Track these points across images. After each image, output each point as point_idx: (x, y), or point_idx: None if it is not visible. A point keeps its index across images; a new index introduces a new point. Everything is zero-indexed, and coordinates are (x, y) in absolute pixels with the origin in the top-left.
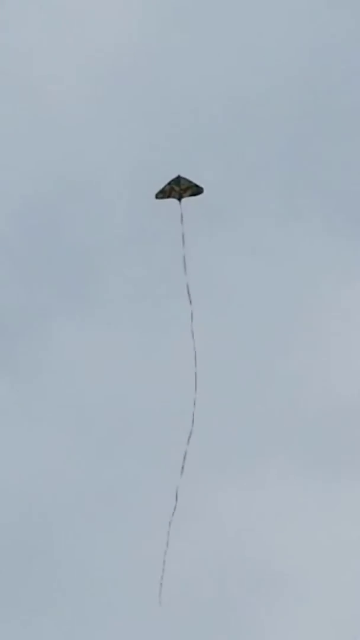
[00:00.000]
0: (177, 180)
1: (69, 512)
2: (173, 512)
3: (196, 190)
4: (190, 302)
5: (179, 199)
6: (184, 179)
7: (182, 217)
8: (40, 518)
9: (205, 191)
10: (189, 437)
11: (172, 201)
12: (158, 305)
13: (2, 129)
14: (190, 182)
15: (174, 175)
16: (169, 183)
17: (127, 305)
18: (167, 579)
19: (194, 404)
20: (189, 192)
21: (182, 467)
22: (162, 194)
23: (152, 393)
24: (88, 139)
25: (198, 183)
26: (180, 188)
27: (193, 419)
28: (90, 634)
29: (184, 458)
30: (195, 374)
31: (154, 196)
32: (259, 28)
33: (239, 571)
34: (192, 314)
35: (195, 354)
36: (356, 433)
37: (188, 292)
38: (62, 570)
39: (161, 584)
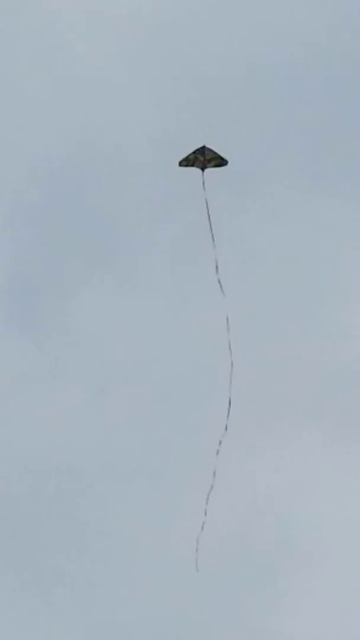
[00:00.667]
0: (202, 150)
1: (96, 477)
2: (213, 480)
3: (220, 161)
4: (217, 269)
5: (202, 169)
6: (209, 149)
7: (204, 185)
8: (66, 483)
9: (229, 164)
10: (229, 407)
11: (195, 170)
12: (185, 271)
13: (29, 89)
14: (215, 153)
15: (199, 145)
16: (194, 152)
17: (154, 271)
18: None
19: (231, 370)
20: (213, 162)
21: (220, 442)
22: (186, 162)
23: (181, 358)
24: (115, 102)
25: (223, 155)
26: (204, 158)
27: (230, 386)
28: (119, 604)
29: (225, 429)
30: (229, 339)
31: (177, 164)
32: None
33: (267, 538)
34: (219, 281)
35: (228, 319)
36: None
37: (216, 258)
38: (87, 536)
39: (197, 550)
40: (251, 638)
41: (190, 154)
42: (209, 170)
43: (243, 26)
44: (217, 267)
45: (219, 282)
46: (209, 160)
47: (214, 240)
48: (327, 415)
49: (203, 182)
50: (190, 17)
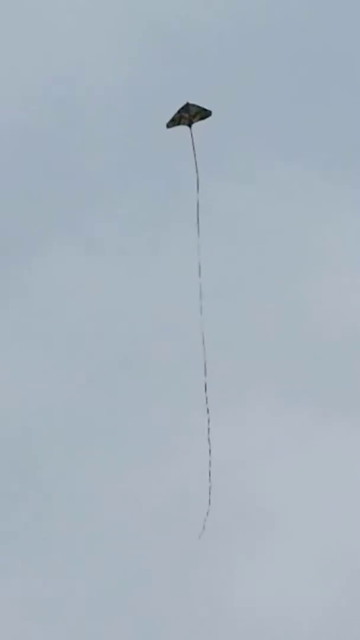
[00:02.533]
0: (187, 107)
1: (64, 439)
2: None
3: (204, 113)
4: (199, 230)
5: (189, 125)
6: (193, 105)
7: (193, 142)
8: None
9: (212, 114)
10: (205, 367)
11: (182, 128)
12: (164, 230)
13: (23, 37)
14: (198, 107)
15: (182, 103)
16: (179, 111)
17: (131, 232)
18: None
19: (202, 329)
20: (198, 116)
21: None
22: (173, 122)
23: (154, 317)
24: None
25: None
26: (189, 114)
27: (204, 348)
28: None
29: (206, 392)
30: (200, 296)
31: (165, 126)
32: None
33: (226, 504)
34: (199, 239)
35: (200, 273)
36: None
37: (198, 216)
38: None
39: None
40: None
41: (175, 114)
42: (197, 126)
43: None
44: (198, 228)
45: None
46: (194, 115)
47: (198, 193)
48: (290, 379)
49: (192, 138)
50: None
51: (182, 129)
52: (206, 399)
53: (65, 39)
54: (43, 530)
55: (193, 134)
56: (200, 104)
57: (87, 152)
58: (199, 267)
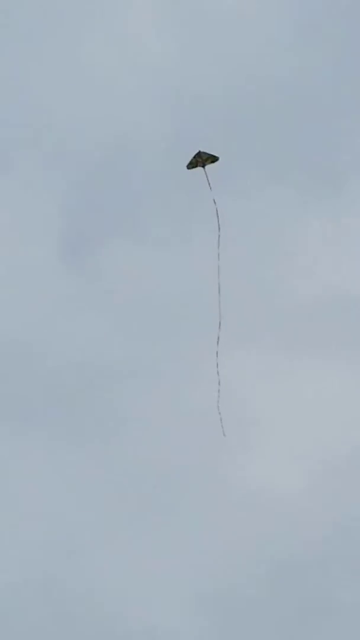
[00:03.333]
0: (199, 154)
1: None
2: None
3: (214, 158)
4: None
5: (203, 167)
6: (204, 152)
7: (207, 179)
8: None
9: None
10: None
11: (199, 169)
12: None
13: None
14: (208, 153)
15: (195, 151)
16: (194, 156)
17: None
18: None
19: (219, 295)
20: (209, 160)
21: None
22: (191, 165)
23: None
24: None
25: (214, 154)
26: (202, 159)
27: (220, 309)
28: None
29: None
30: (219, 270)
31: (185, 168)
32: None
33: (230, 414)
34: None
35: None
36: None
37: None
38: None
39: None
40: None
41: (192, 159)
42: (209, 167)
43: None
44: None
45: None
46: (206, 160)
47: (217, 216)
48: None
49: (206, 175)
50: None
51: (199, 169)
52: (218, 339)
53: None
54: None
55: (207, 173)
56: (211, 152)
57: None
58: (218, 268)
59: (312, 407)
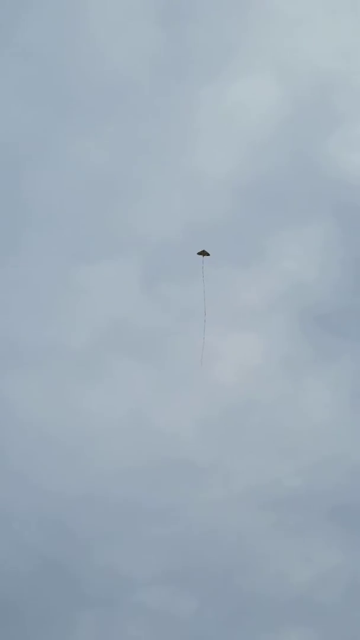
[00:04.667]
0: (203, 251)
1: None
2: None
3: (207, 254)
4: None
5: (203, 255)
6: (205, 251)
7: (202, 263)
8: None
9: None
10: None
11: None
12: None
13: None
14: (206, 251)
15: (200, 249)
16: (201, 252)
17: None
18: None
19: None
20: (205, 254)
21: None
22: (200, 253)
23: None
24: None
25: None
26: (204, 253)
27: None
28: None
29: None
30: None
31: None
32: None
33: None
34: None
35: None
36: None
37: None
38: None
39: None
40: None
41: (200, 251)
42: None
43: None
44: None
45: None
46: (205, 254)
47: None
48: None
49: (202, 262)
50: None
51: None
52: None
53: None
54: None
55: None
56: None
57: None
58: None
59: None
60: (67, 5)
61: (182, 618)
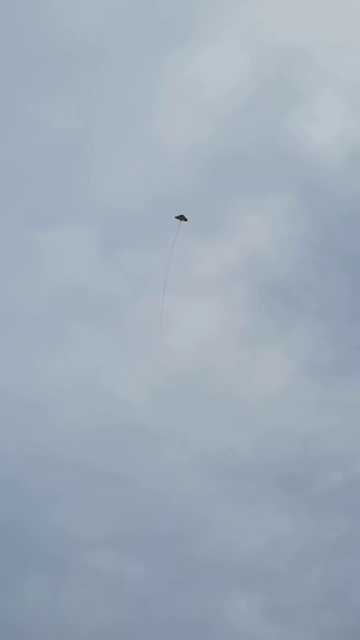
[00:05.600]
0: (181, 215)
1: None
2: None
3: (185, 219)
4: None
5: (181, 220)
6: (183, 216)
7: (178, 229)
8: None
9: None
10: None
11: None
12: None
13: None
14: (184, 217)
15: (179, 214)
16: (179, 216)
17: None
18: None
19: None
20: (184, 219)
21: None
22: (178, 218)
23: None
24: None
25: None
26: (182, 217)
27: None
28: None
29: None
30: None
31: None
32: None
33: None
34: None
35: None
36: None
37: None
38: None
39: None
40: None
41: (178, 215)
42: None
43: None
44: None
45: None
46: (183, 218)
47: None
48: None
49: (178, 227)
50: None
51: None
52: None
53: None
54: None
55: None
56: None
57: None
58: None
59: None
60: None
61: (131, 581)
